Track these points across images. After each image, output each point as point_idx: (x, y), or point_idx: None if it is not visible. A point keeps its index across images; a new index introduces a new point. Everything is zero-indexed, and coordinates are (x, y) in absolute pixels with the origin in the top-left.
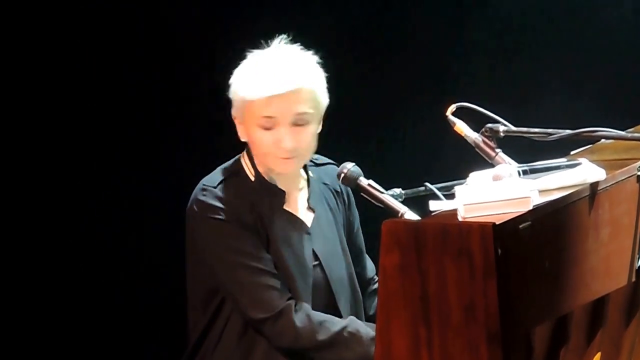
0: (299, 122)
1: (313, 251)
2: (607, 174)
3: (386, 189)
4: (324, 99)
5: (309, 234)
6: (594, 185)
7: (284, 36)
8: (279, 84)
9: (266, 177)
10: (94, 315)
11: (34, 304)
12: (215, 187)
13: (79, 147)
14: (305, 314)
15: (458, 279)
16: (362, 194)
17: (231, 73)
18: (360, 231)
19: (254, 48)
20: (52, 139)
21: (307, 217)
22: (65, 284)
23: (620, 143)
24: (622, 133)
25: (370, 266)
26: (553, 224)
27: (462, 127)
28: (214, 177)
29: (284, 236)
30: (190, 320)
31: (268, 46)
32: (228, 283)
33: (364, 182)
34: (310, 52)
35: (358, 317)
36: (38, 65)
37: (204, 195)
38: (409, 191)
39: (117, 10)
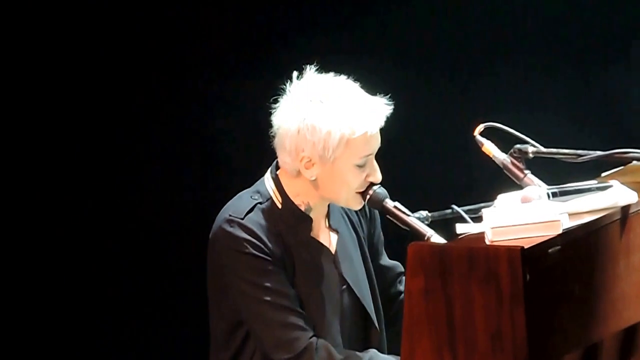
0: (375, 154)
1: (341, 275)
2: (639, 197)
3: (413, 212)
4: None
5: (334, 260)
6: (625, 209)
7: (311, 66)
8: (381, 114)
9: (300, 206)
10: (100, 321)
11: (40, 306)
12: (242, 219)
13: (85, 150)
14: (327, 353)
15: (485, 305)
16: (387, 216)
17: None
18: (381, 234)
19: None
20: (58, 140)
21: (332, 239)
22: (72, 286)
23: None
24: None
25: (394, 263)
26: (583, 248)
27: (490, 148)
28: (240, 206)
29: (310, 265)
30: (214, 346)
31: (292, 82)
32: (251, 319)
33: (389, 204)
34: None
35: (381, 335)
36: (57, 66)
37: (231, 226)
38: (435, 214)
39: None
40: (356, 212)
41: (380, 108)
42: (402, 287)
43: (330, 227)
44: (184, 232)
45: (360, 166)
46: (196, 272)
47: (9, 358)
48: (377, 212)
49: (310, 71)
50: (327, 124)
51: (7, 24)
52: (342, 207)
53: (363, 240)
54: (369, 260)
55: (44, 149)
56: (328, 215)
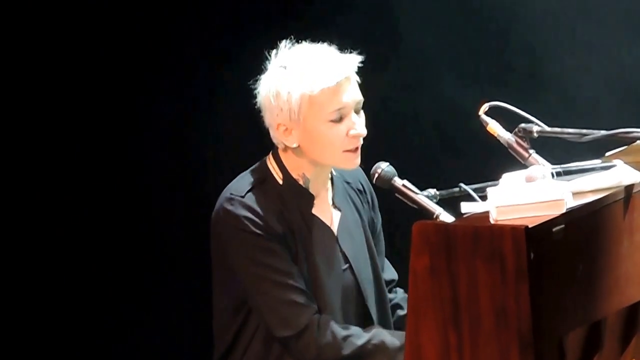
0: (357, 109)
1: (343, 253)
2: None
3: (421, 190)
4: None
5: (337, 239)
6: (629, 188)
7: (286, 41)
8: (342, 69)
9: (299, 180)
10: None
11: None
12: (243, 197)
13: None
14: (329, 330)
15: (489, 283)
16: (396, 194)
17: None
18: (382, 234)
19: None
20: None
21: (334, 217)
22: (75, 283)
23: None
24: None
25: (390, 270)
26: (587, 227)
27: (494, 127)
28: (241, 184)
29: (313, 242)
30: (218, 323)
31: (276, 54)
32: (253, 297)
33: (398, 182)
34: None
35: (385, 317)
36: (57, 64)
37: (232, 205)
38: (443, 192)
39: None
40: (359, 196)
41: (338, 62)
42: (390, 295)
43: (334, 205)
44: (186, 226)
45: (336, 121)
46: (195, 270)
47: (9, 358)
48: (377, 202)
49: (285, 45)
50: (287, 87)
51: (7, 24)
52: (345, 188)
53: (367, 225)
54: (373, 244)
55: (43, 149)
56: (332, 194)
